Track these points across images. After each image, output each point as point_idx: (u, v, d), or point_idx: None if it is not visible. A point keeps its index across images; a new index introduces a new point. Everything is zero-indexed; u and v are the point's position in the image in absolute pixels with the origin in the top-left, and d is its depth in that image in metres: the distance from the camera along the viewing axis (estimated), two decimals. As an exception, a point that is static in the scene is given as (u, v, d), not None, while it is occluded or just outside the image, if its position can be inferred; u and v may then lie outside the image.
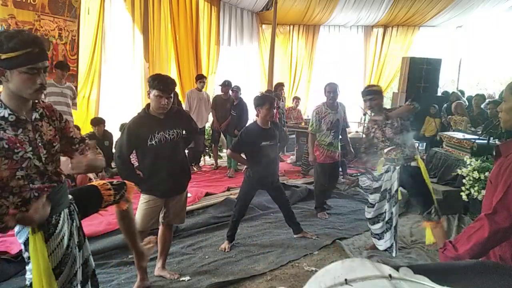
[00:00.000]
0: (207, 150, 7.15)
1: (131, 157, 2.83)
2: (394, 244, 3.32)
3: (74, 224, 1.81)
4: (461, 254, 1.42)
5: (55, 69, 5.07)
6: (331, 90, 4.26)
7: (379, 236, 3.42)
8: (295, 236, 3.88)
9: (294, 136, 7.37)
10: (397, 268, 0.71)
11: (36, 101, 1.66)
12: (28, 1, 5.03)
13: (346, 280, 0.63)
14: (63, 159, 1.81)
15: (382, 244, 3.40)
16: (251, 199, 3.82)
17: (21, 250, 3.10)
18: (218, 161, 6.91)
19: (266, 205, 4.70)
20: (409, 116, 3.36)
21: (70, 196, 1.85)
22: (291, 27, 10.31)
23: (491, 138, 4.59)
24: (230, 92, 6.44)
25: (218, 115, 6.51)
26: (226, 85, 6.42)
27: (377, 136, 3.36)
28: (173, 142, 2.75)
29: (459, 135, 5.31)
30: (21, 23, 5.02)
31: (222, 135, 6.78)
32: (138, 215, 2.77)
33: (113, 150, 5.69)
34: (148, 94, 2.68)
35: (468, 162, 4.36)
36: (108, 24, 6.12)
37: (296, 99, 8.80)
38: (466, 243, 1.43)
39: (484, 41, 12.39)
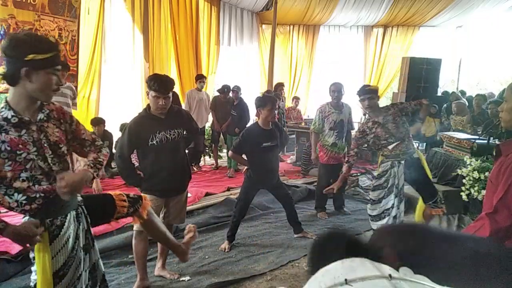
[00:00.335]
0: (207, 150, 7.15)
1: (131, 156, 2.83)
2: None
3: (81, 226, 1.78)
4: None
5: (55, 69, 5.07)
6: (336, 90, 4.25)
7: None
8: (295, 236, 3.88)
9: (294, 136, 7.37)
10: (397, 268, 0.70)
11: (45, 102, 1.67)
12: (28, 1, 5.03)
13: (346, 280, 0.63)
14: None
15: None
16: (252, 199, 3.82)
17: (21, 250, 3.12)
18: (218, 161, 6.91)
19: (266, 205, 4.70)
20: (410, 111, 3.41)
21: (79, 198, 1.83)
22: (291, 27, 10.31)
23: (491, 138, 4.59)
24: (230, 93, 6.44)
25: (218, 116, 6.51)
26: (224, 91, 6.41)
27: (378, 136, 3.35)
28: (174, 142, 2.75)
29: (459, 135, 5.31)
30: (21, 23, 5.02)
31: (221, 135, 6.78)
32: (138, 215, 2.77)
33: (114, 150, 5.72)
34: (147, 94, 2.68)
35: (468, 162, 4.35)
36: (108, 24, 6.11)
37: (296, 99, 8.80)
38: None
39: (484, 41, 12.39)
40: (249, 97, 6.62)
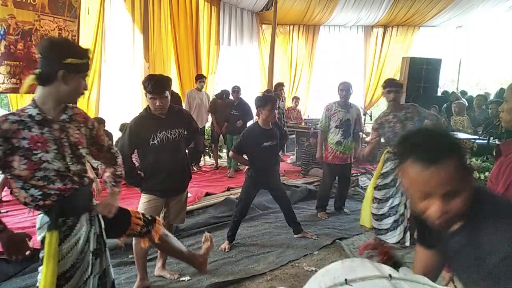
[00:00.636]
0: (207, 150, 7.15)
1: (132, 156, 2.83)
2: (407, 235, 3.39)
3: (93, 230, 1.77)
4: None
5: (55, 69, 5.07)
6: (344, 89, 4.25)
7: (387, 230, 3.44)
8: (295, 236, 3.88)
9: (294, 136, 7.37)
10: (397, 268, 0.71)
11: (71, 104, 1.74)
12: (28, 1, 5.03)
13: (346, 280, 0.63)
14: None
15: (395, 236, 3.42)
16: (253, 199, 3.82)
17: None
18: (218, 161, 6.91)
19: (266, 205, 4.70)
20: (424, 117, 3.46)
21: (95, 202, 1.84)
22: (291, 27, 10.31)
23: (491, 138, 4.59)
24: (231, 94, 6.44)
25: (218, 119, 6.51)
26: (223, 97, 6.41)
27: (395, 131, 3.34)
28: (174, 141, 2.75)
29: (459, 135, 5.31)
30: (21, 23, 5.02)
31: (221, 135, 6.78)
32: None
33: (113, 150, 5.73)
34: (146, 95, 2.68)
35: (468, 162, 4.35)
36: (108, 24, 6.11)
37: (296, 99, 8.80)
38: None
39: (484, 41, 12.40)
40: (249, 97, 6.61)
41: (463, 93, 8.67)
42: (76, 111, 1.76)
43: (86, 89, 1.69)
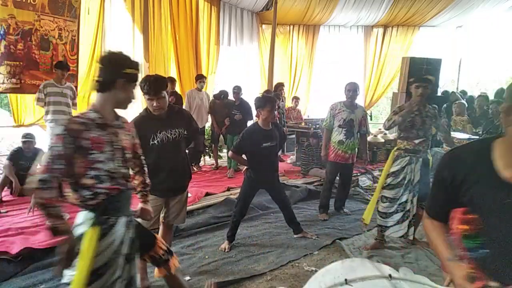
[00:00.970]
0: (207, 150, 7.15)
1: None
2: (411, 229, 3.44)
3: (129, 234, 1.85)
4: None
5: (55, 69, 5.07)
6: (351, 89, 4.26)
7: (392, 226, 3.48)
8: (295, 236, 3.88)
9: (294, 136, 7.36)
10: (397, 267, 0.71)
11: (123, 110, 1.88)
12: (28, 1, 5.03)
13: (346, 280, 0.63)
14: None
15: (399, 231, 3.45)
16: (252, 200, 3.82)
17: (21, 250, 3.12)
18: (218, 161, 6.91)
19: (266, 205, 4.70)
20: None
21: (132, 210, 1.95)
22: (291, 27, 10.31)
23: (491, 138, 4.58)
24: (230, 95, 6.45)
25: (218, 120, 6.51)
26: (221, 98, 6.41)
27: (414, 123, 3.36)
28: (175, 141, 2.74)
29: (459, 135, 5.31)
30: (21, 23, 5.02)
31: (221, 135, 6.78)
32: (139, 215, 2.77)
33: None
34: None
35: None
36: (108, 24, 6.11)
37: (296, 99, 8.79)
38: None
39: (484, 41, 12.41)
40: (249, 97, 6.62)
41: (464, 93, 8.66)
42: (124, 119, 1.92)
43: (135, 98, 1.85)
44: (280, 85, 7.71)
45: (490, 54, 13.20)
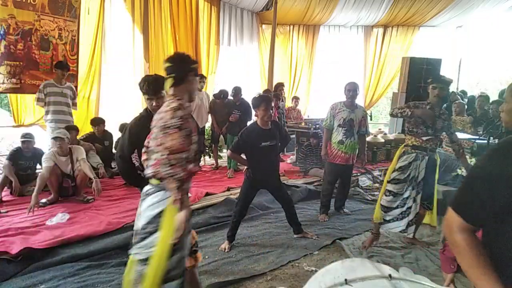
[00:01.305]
0: (207, 150, 7.15)
1: (132, 156, 2.82)
2: (412, 228, 3.47)
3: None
4: None
5: (55, 69, 5.08)
6: (351, 89, 4.26)
7: (392, 220, 3.48)
8: (295, 236, 3.88)
9: (294, 136, 7.36)
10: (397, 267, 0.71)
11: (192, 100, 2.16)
12: (28, 1, 5.03)
13: (346, 280, 0.63)
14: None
15: (399, 227, 3.45)
16: (252, 199, 3.82)
17: (21, 250, 3.12)
18: (218, 161, 6.91)
19: (266, 205, 4.70)
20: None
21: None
22: (291, 27, 10.31)
23: (491, 138, 4.59)
24: (230, 96, 6.44)
25: (218, 120, 6.50)
26: (221, 97, 6.40)
27: (424, 120, 3.38)
28: None
29: (459, 135, 5.31)
30: (21, 23, 5.02)
31: (221, 135, 6.78)
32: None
33: (113, 150, 5.73)
34: None
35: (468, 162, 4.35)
36: (108, 24, 6.12)
37: (295, 99, 8.79)
38: None
39: (484, 41, 12.41)
40: (249, 97, 6.62)
41: (464, 93, 8.66)
42: None
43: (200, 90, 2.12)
44: (280, 85, 7.70)
45: (490, 54, 13.21)
